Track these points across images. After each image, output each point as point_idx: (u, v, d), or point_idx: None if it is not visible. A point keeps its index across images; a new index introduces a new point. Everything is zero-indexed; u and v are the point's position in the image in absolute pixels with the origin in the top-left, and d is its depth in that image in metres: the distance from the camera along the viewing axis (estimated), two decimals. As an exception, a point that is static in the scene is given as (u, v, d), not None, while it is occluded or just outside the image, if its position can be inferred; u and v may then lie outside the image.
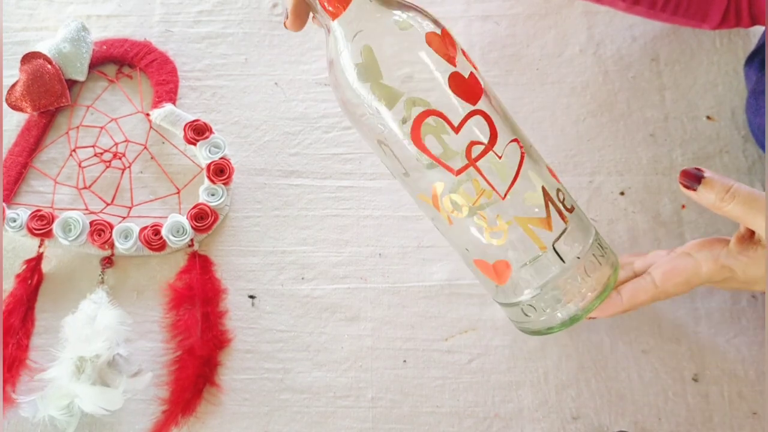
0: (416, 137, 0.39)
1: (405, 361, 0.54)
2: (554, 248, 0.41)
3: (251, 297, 0.57)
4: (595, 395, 0.53)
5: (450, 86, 0.39)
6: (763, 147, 0.59)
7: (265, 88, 0.64)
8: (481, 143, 0.39)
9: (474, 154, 0.39)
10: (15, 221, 0.56)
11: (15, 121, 0.62)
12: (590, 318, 0.45)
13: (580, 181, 0.59)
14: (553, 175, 0.44)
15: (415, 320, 0.55)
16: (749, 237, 0.44)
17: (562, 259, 0.41)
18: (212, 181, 0.58)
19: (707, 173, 0.43)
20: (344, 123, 0.62)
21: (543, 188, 0.41)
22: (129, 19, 0.67)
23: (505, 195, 0.40)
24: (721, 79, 0.63)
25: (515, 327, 0.47)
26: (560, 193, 0.43)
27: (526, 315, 0.44)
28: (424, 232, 0.58)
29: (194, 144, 0.60)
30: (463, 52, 0.41)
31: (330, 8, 0.39)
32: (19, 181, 0.60)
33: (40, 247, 0.57)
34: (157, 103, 0.61)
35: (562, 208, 0.42)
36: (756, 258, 0.44)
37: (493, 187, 0.40)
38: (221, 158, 0.59)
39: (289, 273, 0.57)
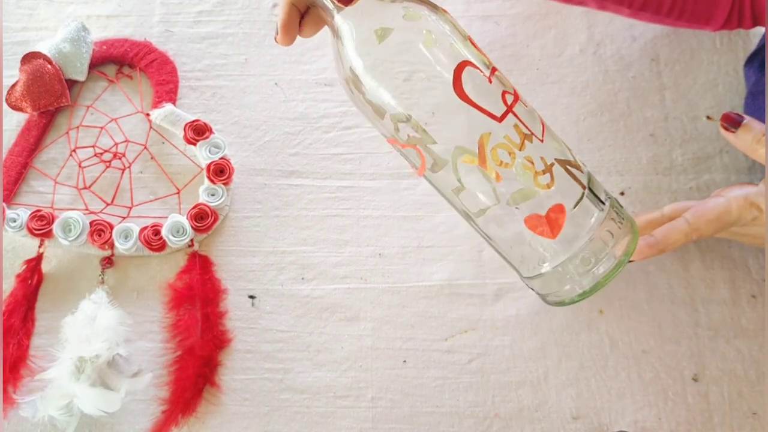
0: (459, 89, 0.40)
1: (405, 361, 0.54)
2: (590, 188, 0.43)
3: (251, 297, 0.57)
4: (595, 395, 0.53)
5: (474, 46, 0.42)
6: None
7: (265, 88, 0.64)
8: (510, 93, 0.42)
9: (509, 102, 0.42)
10: (15, 221, 0.56)
11: (15, 121, 0.62)
12: (630, 261, 0.45)
13: (580, 181, 0.59)
14: None
15: (415, 320, 0.55)
16: None
17: (599, 199, 0.43)
18: (212, 181, 0.58)
19: (746, 118, 0.48)
20: (344, 123, 0.62)
21: (558, 138, 0.44)
22: (129, 19, 0.67)
23: (543, 137, 0.42)
24: (721, 79, 0.63)
25: (545, 301, 0.46)
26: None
27: (565, 278, 0.44)
28: (424, 232, 0.58)
29: (194, 144, 0.60)
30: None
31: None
32: (19, 181, 0.60)
33: (40, 247, 0.57)
34: (157, 103, 0.61)
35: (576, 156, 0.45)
36: None
37: (531, 131, 0.42)
38: (221, 158, 0.59)
39: (289, 273, 0.57)
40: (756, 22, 0.57)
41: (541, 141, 0.42)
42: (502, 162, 0.42)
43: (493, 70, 0.42)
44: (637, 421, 0.52)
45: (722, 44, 0.64)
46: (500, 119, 0.41)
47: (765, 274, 0.56)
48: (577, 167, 0.43)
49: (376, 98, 0.41)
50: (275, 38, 0.43)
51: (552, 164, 0.42)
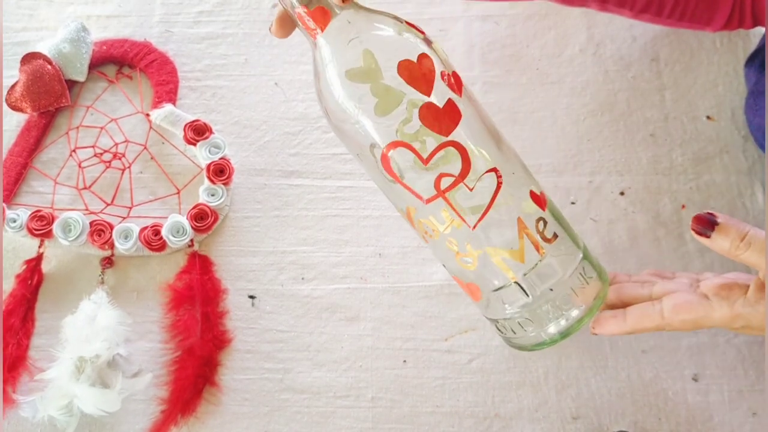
0: (387, 166, 0.39)
1: (405, 361, 0.54)
2: (518, 283, 0.41)
3: (251, 297, 0.57)
4: (595, 395, 0.53)
5: (420, 118, 0.38)
6: (762, 147, 0.59)
7: (265, 88, 0.64)
8: (450, 175, 0.39)
9: (443, 186, 0.39)
10: (15, 221, 0.56)
11: (15, 122, 0.62)
12: (593, 333, 0.45)
13: (580, 181, 0.59)
14: (539, 201, 0.42)
15: (415, 320, 0.55)
16: None
17: (526, 293, 0.41)
18: (212, 182, 0.58)
19: (720, 218, 0.41)
20: (344, 123, 0.62)
21: (519, 219, 0.40)
22: (129, 20, 0.67)
23: (475, 226, 0.40)
24: (721, 79, 0.63)
25: (507, 342, 0.47)
26: (541, 223, 0.41)
27: (501, 332, 0.45)
28: (424, 232, 0.58)
29: (194, 144, 0.60)
30: (447, 75, 0.40)
31: (312, 27, 0.39)
32: (19, 182, 0.60)
33: (40, 247, 0.57)
34: (157, 104, 0.61)
35: (539, 239, 0.41)
36: None
37: (462, 219, 0.39)
38: (221, 158, 0.59)
39: (289, 273, 0.57)
40: (756, 22, 0.57)
41: (472, 228, 0.39)
42: (426, 232, 0.41)
43: (442, 146, 0.38)
44: (637, 421, 0.52)
45: (722, 44, 0.64)
46: (426, 201, 0.39)
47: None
48: (519, 257, 0.40)
49: (359, 127, 0.39)
50: (269, 28, 0.42)
51: (480, 251, 0.40)
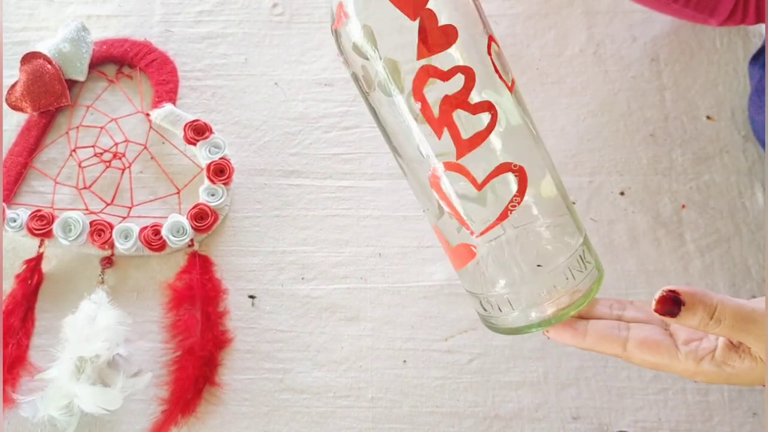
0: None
1: (405, 361, 0.54)
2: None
3: (251, 297, 0.57)
4: (595, 395, 0.53)
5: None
6: (764, 144, 0.59)
7: (265, 88, 0.64)
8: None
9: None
10: (15, 221, 0.56)
11: (15, 121, 0.62)
12: (546, 336, 0.42)
13: (580, 181, 0.59)
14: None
15: (415, 320, 0.55)
16: (738, 344, 0.39)
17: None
18: (212, 181, 0.58)
19: (685, 295, 0.36)
20: (344, 123, 0.62)
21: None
22: (129, 19, 0.67)
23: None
24: (721, 79, 0.63)
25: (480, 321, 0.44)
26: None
27: (485, 309, 0.42)
28: (424, 232, 0.58)
29: (194, 144, 0.60)
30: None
31: None
32: (19, 181, 0.60)
33: (40, 247, 0.57)
34: (157, 103, 0.61)
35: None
36: (743, 370, 0.38)
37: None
38: (221, 158, 0.59)
39: (289, 273, 0.57)
40: (759, 18, 0.57)
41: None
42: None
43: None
44: (637, 421, 0.52)
45: (722, 44, 0.64)
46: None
47: (765, 273, 0.56)
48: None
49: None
50: None
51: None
